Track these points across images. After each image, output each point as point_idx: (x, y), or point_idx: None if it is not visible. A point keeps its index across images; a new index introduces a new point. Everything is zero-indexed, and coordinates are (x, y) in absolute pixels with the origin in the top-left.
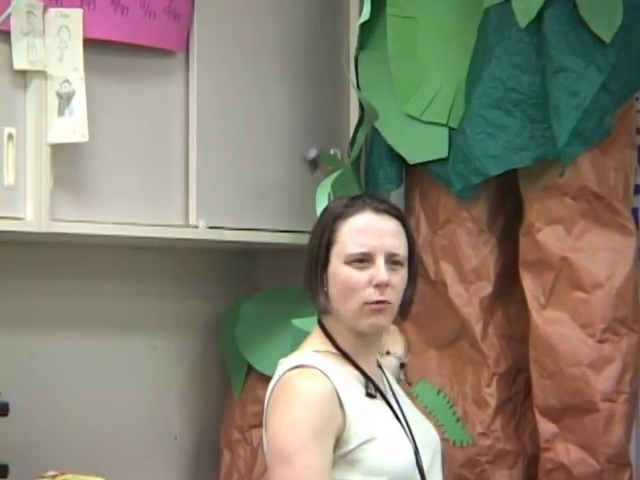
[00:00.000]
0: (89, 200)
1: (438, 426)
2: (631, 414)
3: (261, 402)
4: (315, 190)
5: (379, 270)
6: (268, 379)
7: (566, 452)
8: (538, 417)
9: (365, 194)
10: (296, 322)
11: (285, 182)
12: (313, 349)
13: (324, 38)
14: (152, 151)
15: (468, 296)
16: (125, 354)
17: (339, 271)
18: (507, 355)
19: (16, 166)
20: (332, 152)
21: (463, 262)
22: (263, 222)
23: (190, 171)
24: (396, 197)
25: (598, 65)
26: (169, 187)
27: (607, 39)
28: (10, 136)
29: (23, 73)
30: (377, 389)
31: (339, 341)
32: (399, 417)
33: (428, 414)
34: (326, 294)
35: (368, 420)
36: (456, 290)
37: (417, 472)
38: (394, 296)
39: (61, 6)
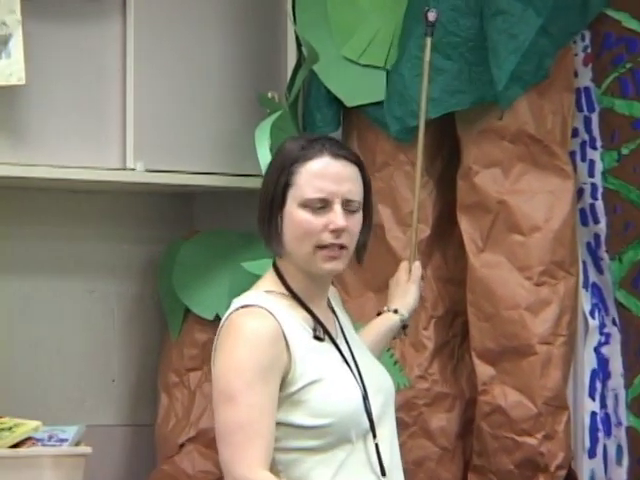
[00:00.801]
0: (26, 143)
1: None
2: (568, 357)
3: (198, 345)
4: (253, 133)
5: (336, 215)
6: (205, 322)
7: (503, 395)
8: (475, 360)
9: (322, 137)
10: (246, 265)
11: (223, 125)
12: (264, 289)
13: None
14: (89, 94)
15: (406, 239)
16: (62, 297)
17: (295, 214)
18: (445, 298)
19: None
20: (270, 95)
21: (401, 205)
22: (200, 165)
23: (127, 114)
24: None
25: (536, 8)
26: (106, 130)
27: None
28: None
29: None
30: (326, 332)
31: (291, 283)
32: (348, 361)
33: None
34: (280, 235)
35: (315, 362)
36: (394, 233)
37: (365, 417)
38: (350, 240)
39: None
